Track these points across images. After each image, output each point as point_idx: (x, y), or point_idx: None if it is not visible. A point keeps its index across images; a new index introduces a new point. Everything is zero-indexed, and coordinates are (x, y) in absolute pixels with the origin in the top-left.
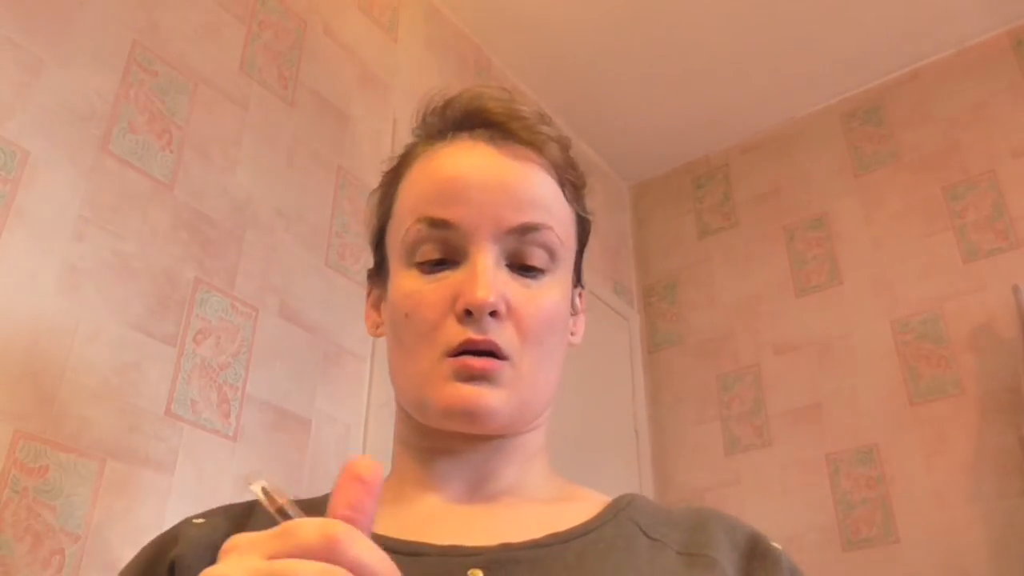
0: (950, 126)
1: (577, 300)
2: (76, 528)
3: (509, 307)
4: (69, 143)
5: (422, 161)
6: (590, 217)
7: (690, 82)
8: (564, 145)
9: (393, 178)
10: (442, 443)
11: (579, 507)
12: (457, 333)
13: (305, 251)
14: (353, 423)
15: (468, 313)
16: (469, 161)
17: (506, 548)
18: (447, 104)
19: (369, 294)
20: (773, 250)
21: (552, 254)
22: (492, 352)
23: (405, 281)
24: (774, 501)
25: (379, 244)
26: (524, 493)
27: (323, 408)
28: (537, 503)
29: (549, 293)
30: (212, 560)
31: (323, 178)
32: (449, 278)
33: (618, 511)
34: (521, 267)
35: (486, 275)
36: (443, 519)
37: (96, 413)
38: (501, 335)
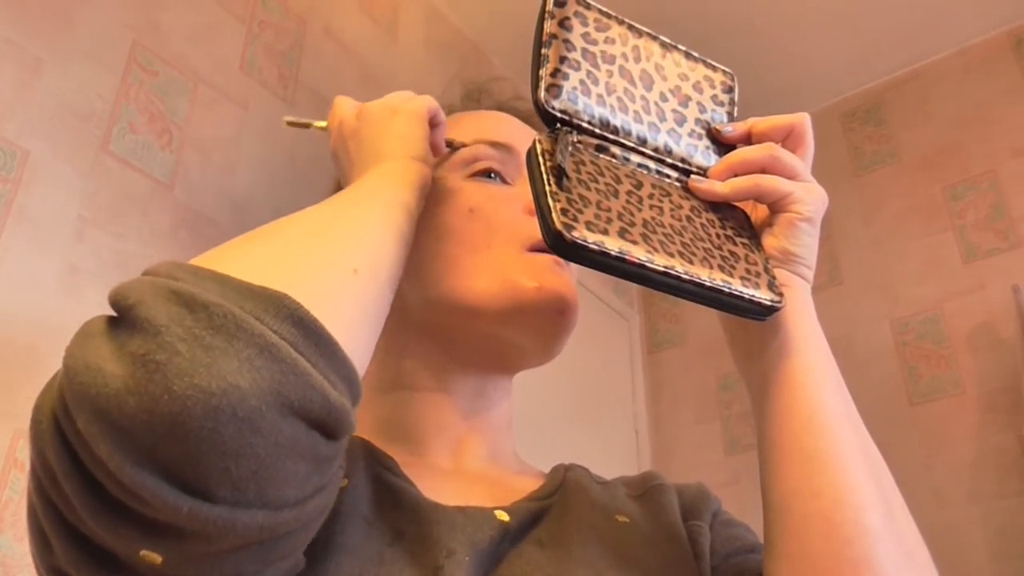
0: (950, 126)
1: None
2: None
3: None
4: (69, 143)
5: (466, 115)
6: None
7: None
8: None
9: None
10: (460, 358)
11: (528, 477)
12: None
13: None
14: None
15: None
16: (513, 121)
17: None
18: (480, 93)
19: None
20: None
21: None
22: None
23: (461, 185)
24: None
25: None
26: (499, 465)
27: None
28: (508, 474)
29: None
30: None
31: (323, 178)
32: (505, 188)
33: (565, 469)
34: None
35: None
36: (443, 482)
37: None
38: None
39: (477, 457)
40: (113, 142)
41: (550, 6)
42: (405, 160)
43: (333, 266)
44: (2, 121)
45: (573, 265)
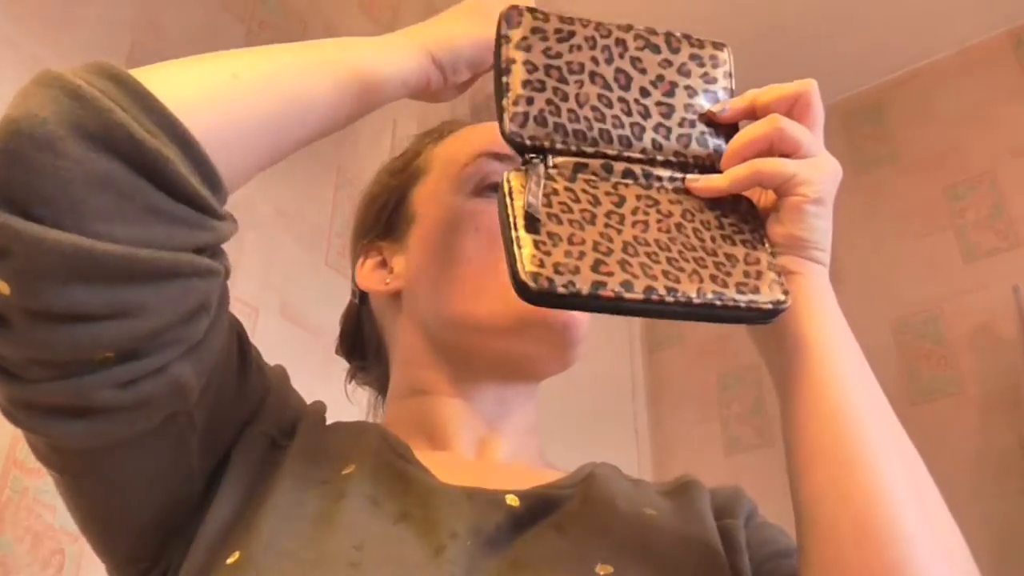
0: (950, 126)
1: None
2: (76, 528)
3: None
4: None
5: (468, 128)
6: None
7: None
8: None
9: (423, 144)
10: (478, 371)
11: (552, 471)
12: None
13: (305, 251)
14: None
15: None
16: None
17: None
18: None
19: (364, 260)
20: None
21: None
22: None
23: (467, 204)
24: (774, 501)
25: (397, 205)
26: (523, 461)
27: None
28: (532, 468)
29: None
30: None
31: (323, 178)
32: None
33: (593, 466)
34: None
35: None
36: (462, 470)
37: None
38: None
39: (501, 455)
40: None
41: (504, 29)
42: (415, 49)
43: (211, 70)
44: None
45: None
